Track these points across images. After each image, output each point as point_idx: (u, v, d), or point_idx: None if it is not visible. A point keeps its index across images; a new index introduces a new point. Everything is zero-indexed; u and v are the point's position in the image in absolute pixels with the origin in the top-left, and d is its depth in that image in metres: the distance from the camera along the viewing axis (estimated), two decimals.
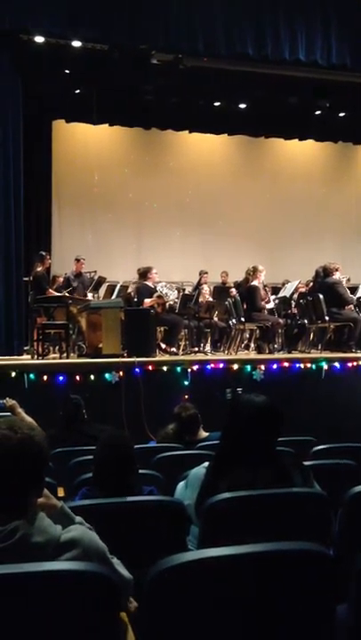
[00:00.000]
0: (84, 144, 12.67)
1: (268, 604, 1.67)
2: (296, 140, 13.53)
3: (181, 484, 2.76)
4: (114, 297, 9.53)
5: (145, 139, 13.03)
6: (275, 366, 7.62)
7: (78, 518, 1.90)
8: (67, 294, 9.00)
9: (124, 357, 7.23)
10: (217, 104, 11.94)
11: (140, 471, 2.82)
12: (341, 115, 12.45)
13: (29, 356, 8.16)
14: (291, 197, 13.88)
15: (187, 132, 12.98)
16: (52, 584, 1.57)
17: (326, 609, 1.72)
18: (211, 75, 10.34)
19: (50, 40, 9.01)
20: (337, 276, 8.97)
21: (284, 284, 10.70)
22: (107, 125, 12.35)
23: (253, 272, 9.07)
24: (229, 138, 13.38)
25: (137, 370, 6.98)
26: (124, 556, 1.99)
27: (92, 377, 6.90)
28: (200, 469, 2.60)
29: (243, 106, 12.02)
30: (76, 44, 9.14)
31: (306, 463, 2.65)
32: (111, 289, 10.08)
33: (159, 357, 7.82)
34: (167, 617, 1.64)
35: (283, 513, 2.31)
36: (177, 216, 13.33)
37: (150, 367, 7.12)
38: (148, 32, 8.76)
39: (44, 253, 9.16)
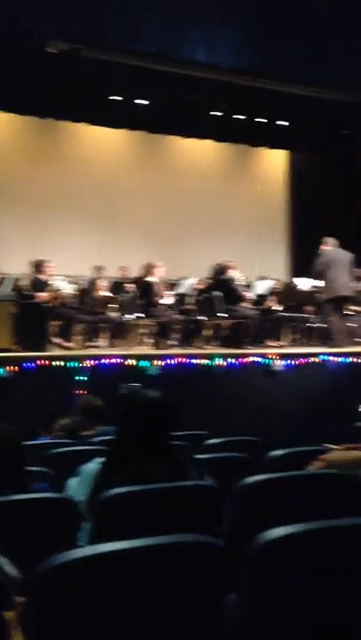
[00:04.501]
0: None
1: (159, 598, 1.66)
2: (195, 138, 13.70)
3: (74, 479, 2.71)
4: (4, 289, 9.20)
5: (41, 128, 12.70)
6: (171, 361, 7.67)
7: None
8: None
9: (15, 352, 7.02)
10: (117, 98, 11.85)
11: (31, 468, 2.73)
12: (240, 117, 12.75)
13: None
14: (190, 195, 14.03)
15: (85, 124, 12.77)
16: None
17: (215, 598, 1.73)
18: (110, 68, 10.25)
19: None
20: (232, 273, 9.18)
21: (181, 281, 10.81)
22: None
23: (149, 268, 9.11)
24: (129, 132, 13.31)
25: (29, 365, 6.80)
26: (12, 556, 1.92)
27: None
28: (93, 465, 2.57)
29: (143, 102, 12.01)
30: None
31: (199, 456, 2.67)
32: (1, 281, 9.73)
33: (53, 352, 7.66)
34: (56, 616, 1.59)
35: (175, 506, 2.32)
36: (76, 209, 13.10)
37: (43, 362, 6.97)
38: (46, 18, 8.52)
39: None
